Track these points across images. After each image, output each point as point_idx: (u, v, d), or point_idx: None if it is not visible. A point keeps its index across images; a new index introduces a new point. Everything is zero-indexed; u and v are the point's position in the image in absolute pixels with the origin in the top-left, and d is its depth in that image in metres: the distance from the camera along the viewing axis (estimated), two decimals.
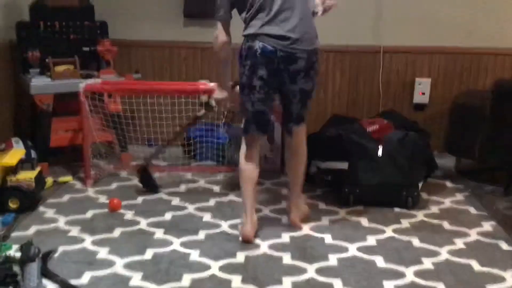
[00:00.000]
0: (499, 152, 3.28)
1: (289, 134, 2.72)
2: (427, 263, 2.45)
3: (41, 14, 3.55)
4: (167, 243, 2.60)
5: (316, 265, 2.40)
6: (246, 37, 2.50)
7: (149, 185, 3.25)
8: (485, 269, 2.41)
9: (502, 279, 2.33)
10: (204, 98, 3.70)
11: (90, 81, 3.31)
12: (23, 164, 2.99)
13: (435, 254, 2.55)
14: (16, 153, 3.04)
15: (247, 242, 2.59)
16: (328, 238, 2.68)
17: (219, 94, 2.90)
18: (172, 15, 3.93)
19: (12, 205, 2.86)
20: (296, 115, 2.65)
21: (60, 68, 3.47)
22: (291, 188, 2.82)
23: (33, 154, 3.34)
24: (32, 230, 2.71)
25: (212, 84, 3.13)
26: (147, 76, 3.96)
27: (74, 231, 2.71)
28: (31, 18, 3.56)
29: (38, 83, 3.40)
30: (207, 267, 2.37)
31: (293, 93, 2.57)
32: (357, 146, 3.14)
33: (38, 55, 3.48)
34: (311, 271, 2.36)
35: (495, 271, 2.40)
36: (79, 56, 3.53)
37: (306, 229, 2.78)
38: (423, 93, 3.89)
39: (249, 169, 2.62)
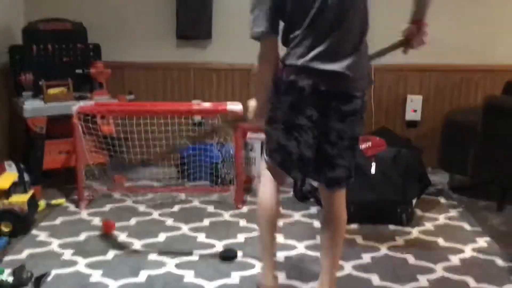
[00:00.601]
0: (491, 168, 3.29)
1: (325, 198, 2.14)
2: (423, 280, 2.44)
3: (34, 37, 3.56)
4: (162, 264, 2.58)
5: (311, 284, 2.38)
6: (288, 67, 1.96)
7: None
8: (481, 285, 2.41)
9: None
10: (197, 118, 3.73)
11: (83, 103, 3.31)
12: (15, 187, 2.97)
13: (430, 271, 2.54)
14: (9, 176, 3.04)
15: None
16: None
17: (252, 120, 2.22)
18: (165, 36, 3.95)
19: (5, 228, 2.83)
20: (343, 168, 2.03)
21: (53, 91, 3.48)
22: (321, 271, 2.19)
23: (26, 177, 3.32)
24: (24, 254, 2.68)
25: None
26: (140, 97, 3.96)
27: (67, 254, 2.68)
28: (24, 41, 3.57)
29: (31, 106, 3.39)
30: None
31: (340, 137, 1.99)
32: None
33: (31, 78, 3.49)
34: None
35: (491, 287, 2.39)
36: (72, 78, 3.54)
37: (301, 247, 2.77)
38: (415, 110, 3.91)
39: (270, 204, 2.12)
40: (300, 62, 1.92)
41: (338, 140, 1.99)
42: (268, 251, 2.18)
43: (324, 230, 2.15)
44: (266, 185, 2.14)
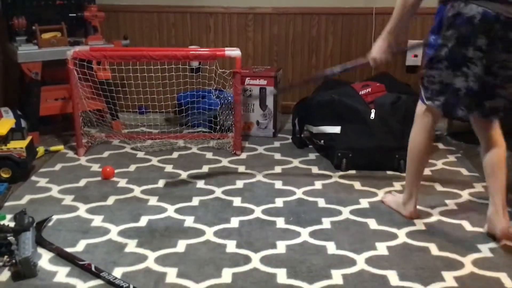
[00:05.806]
0: None
1: (481, 129, 2.29)
2: (419, 224, 2.48)
3: None
4: (162, 210, 2.61)
5: (310, 229, 2.42)
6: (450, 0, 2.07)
7: None
8: (476, 229, 2.44)
9: (493, 239, 2.36)
10: (195, 64, 3.68)
11: (78, 48, 3.25)
12: (13, 133, 2.96)
13: (427, 215, 2.57)
14: (6, 122, 3.01)
15: (410, 219, 2.50)
16: (321, 202, 2.70)
17: (377, 52, 2.42)
18: None
19: (4, 174, 2.84)
20: (503, 99, 2.13)
21: (47, 35, 3.41)
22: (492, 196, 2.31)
23: (23, 123, 3.31)
24: (25, 199, 2.70)
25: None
26: (136, 42, 3.90)
27: (68, 200, 2.70)
28: None
29: (25, 51, 3.33)
30: (202, 233, 2.38)
31: (503, 67, 2.06)
32: (349, 110, 3.14)
33: (24, 22, 3.40)
34: (304, 234, 2.38)
35: None
36: (65, 22, 3.47)
37: (299, 193, 2.79)
38: (416, 56, 3.86)
39: (421, 141, 2.34)
40: None
41: (500, 70, 2.05)
42: (411, 177, 2.44)
43: (486, 160, 2.27)
44: (417, 124, 2.34)
